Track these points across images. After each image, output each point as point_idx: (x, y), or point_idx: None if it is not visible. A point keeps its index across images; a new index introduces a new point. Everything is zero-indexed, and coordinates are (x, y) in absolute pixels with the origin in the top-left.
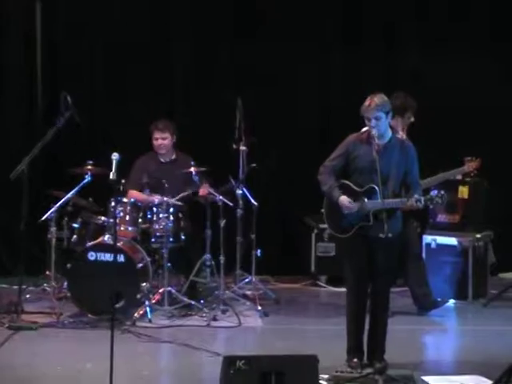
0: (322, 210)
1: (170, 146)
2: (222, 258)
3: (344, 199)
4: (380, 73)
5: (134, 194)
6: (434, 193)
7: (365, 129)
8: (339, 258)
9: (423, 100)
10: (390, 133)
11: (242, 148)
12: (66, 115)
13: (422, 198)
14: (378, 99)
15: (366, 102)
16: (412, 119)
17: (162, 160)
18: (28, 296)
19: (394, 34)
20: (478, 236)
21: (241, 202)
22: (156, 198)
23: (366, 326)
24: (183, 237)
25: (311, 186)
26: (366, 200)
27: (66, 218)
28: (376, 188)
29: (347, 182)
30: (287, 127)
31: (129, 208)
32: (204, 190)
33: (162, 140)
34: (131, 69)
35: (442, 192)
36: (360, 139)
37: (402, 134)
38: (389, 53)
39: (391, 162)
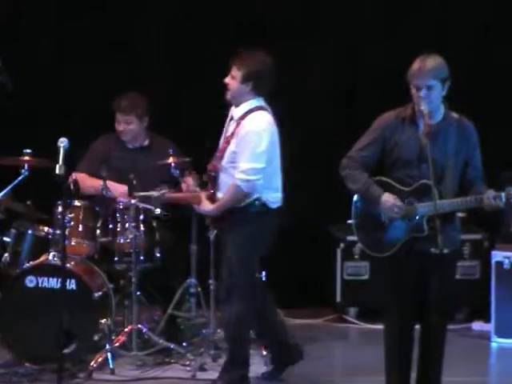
0: (351, 221)
1: (139, 132)
2: (212, 283)
3: (388, 197)
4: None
5: (82, 178)
6: None
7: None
8: (376, 282)
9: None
10: (442, 109)
11: None
12: None
13: (503, 194)
14: (432, 61)
15: (416, 65)
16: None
17: (130, 146)
18: None
19: None
20: None
21: None
22: (120, 190)
23: (413, 376)
24: (159, 254)
25: (336, 184)
26: (416, 203)
27: None
28: (430, 184)
29: (385, 178)
30: (301, 98)
31: (82, 214)
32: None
33: (126, 125)
34: (86, 22)
35: None
36: (401, 118)
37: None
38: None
39: (447, 150)
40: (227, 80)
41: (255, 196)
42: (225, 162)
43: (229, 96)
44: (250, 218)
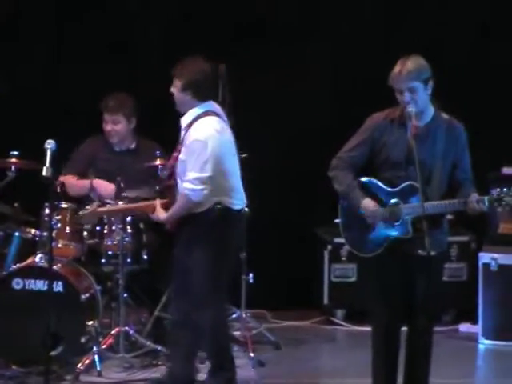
0: (338, 221)
1: (126, 133)
2: None
3: (368, 203)
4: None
5: (69, 180)
6: (499, 190)
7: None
8: (362, 284)
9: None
10: (431, 110)
11: None
12: None
13: (486, 198)
14: (411, 63)
15: (396, 69)
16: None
17: (117, 149)
18: None
19: None
20: None
21: None
22: (109, 189)
23: (400, 380)
24: (146, 256)
25: (324, 186)
26: (401, 204)
27: None
28: (416, 186)
29: (373, 179)
30: (289, 101)
31: (69, 216)
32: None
33: (113, 125)
34: (86, 22)
35: None
36: (390, 119)
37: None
38: None
39: (436, 151)
40: (171, 90)
41: (215, 200)
42: (178, 170)
43: (176, 106)
44: (213, 223)
